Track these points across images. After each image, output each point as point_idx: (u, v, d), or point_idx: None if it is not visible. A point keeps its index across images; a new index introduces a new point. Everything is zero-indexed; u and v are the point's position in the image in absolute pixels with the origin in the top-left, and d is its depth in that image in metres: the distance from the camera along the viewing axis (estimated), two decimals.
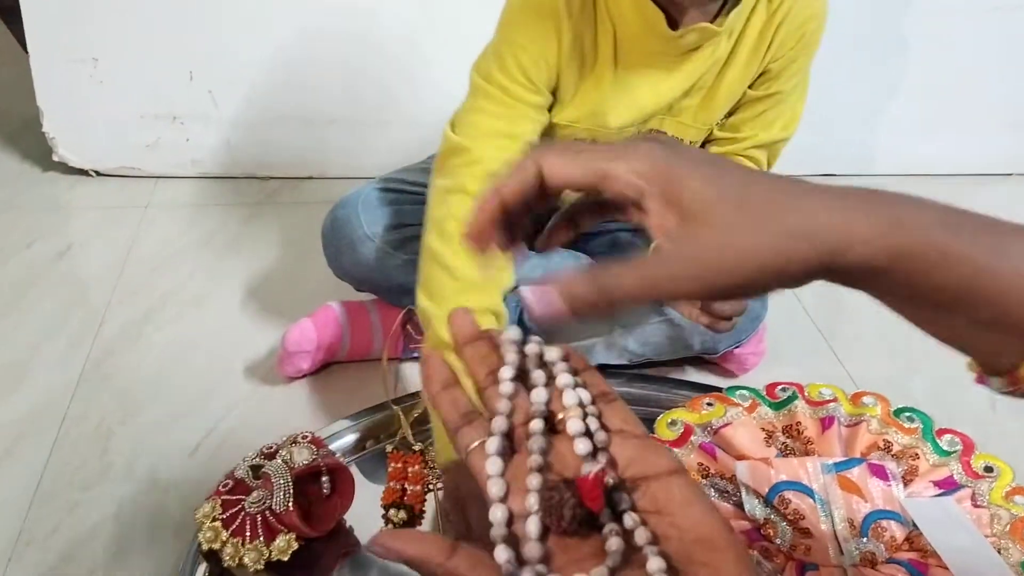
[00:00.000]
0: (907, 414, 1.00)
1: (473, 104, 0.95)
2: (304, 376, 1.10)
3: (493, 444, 0.37)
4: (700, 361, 1.16)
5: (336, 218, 1.10)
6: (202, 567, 0.82)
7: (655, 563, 0.32)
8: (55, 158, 1.61)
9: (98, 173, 1.63)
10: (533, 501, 0.35)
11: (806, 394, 1.02)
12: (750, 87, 1.01)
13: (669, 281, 0.35)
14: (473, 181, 0.92)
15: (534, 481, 0.36)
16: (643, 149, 0.36)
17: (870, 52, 1.64)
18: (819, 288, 1.19)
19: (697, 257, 0.35)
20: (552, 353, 0.40)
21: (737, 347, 1.11)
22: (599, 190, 0.37)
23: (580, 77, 0.95)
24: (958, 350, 0.38)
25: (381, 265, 1.07)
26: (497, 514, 0.35)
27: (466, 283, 0.89)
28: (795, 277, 0.35)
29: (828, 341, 1.23)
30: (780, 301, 1.27)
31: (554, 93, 0.96)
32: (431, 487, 0.92)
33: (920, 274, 0.34)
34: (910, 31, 1.62)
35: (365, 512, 0.89)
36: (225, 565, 0.81)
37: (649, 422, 0.99)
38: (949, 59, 1.65)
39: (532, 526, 0.35)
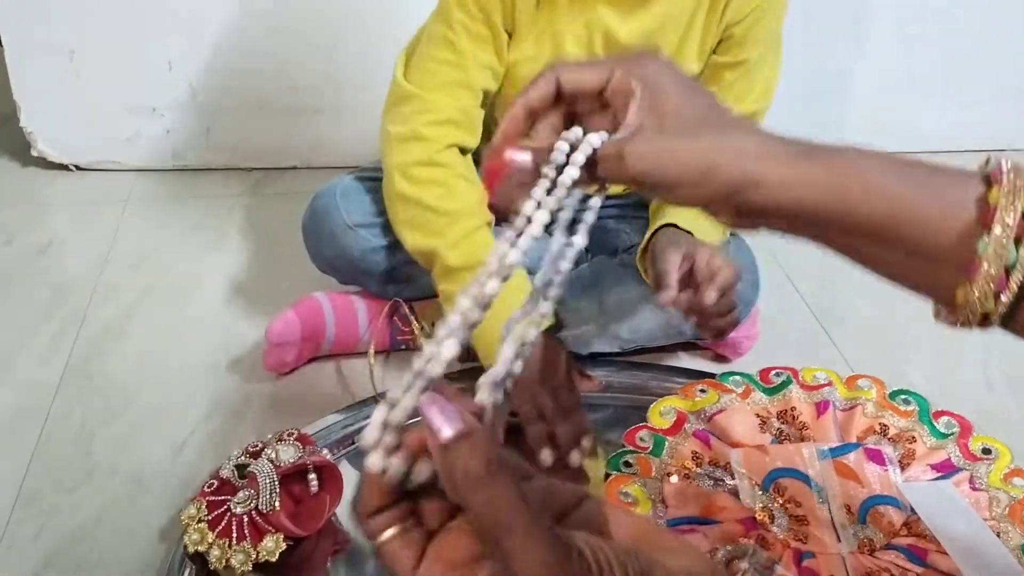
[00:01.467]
0: (903, 396, 0.99)
1: (430, 52, 0.97)
2: (290, 371, 1.08)
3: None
4: (693, 347, 1.14)
5: (315, 209, 1.09)
6: (189, 570, 0.80)
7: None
8: (34, 153, 1.58)
9: (78, 167, 1.60)
10: None
11: (800, 378, 1.01)
12: (715, 52, 1.01)
13: (636, 156, 0.42)
14: (428, 128, 0.96)
15: None
16: (643, 59, 0.44)
17: (865, 23, 1.62)
18: (813, 271, 1.19)
19: (658, 145, 0.42)
20: None
21: None
22: (600, 91, 0.44)
23: (537, 8, 0.96)
24: (903, 286, 0.43)
25: (364, 255, 1.06)
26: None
27: (453, 215, 0.95)
28: (716, 189, 0.41)
29: (822, 324, 1.22)
30: (773, 284, 1.26)
31: (510, 31, 0.98)
32: None
33: (847, 209, 0.40)
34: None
35: (357, 509, 0.87)
36: (212, 568, 0.79)
37: (642, 410, 0.98)
38: (949, 30, 1.62)
39: None
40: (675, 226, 0.96)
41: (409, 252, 0.99)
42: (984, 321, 0.39)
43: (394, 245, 1.05)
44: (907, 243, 0.40)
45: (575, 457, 0.86)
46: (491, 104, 1.06)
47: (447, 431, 0.29)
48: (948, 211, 0.39)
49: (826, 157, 0.41)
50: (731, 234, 1.09)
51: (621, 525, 0.34)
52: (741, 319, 1.08)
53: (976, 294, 0.38)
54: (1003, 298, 0.38)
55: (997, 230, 0.37)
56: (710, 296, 0.86)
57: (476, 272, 0.97)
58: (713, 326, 0.91)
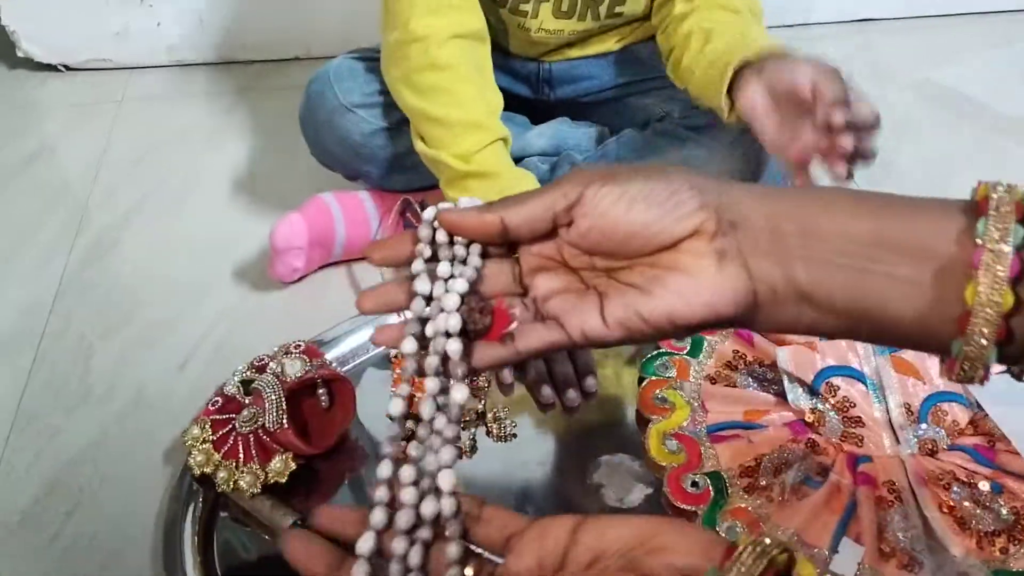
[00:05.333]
0: None
1: None
2: (299, 279, 1.01)
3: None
4: None
5: (310, 94, 1.01)
6: (195, 492, 0.75)
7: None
8: (19, 53, 1.49)
9: (67, 67, 1.51)
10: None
11: None
12: None
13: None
14: (421, 21, 0.88)
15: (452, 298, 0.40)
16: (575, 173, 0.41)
17: None
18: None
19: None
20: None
21: None
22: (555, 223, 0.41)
23: None
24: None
25: (365, 139, 0.98)
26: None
27: (461, 127, 0.88)
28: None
29: None
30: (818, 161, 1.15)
31: None
32: None
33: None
34: None
35: (371, 424, 0.81)
36: (219, 490, 0.74)
37: None
38: None
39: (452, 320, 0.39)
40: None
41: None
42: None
43: (397, 128, 0.97)
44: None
45: (572, 396, 0.78)
46: None
47: None
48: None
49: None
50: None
51: (614, 536, 0.36)
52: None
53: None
54: None
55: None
56: (835, 116, 0.67)
57: (486, 180, 0.88)
58: (857, 150, 0.69)
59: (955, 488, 0.71)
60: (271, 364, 0.79)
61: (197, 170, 1.24)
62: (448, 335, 0.39)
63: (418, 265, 0.41)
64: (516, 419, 0.81)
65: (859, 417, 0.78)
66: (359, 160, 1.00)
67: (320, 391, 0.79)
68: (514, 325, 0.40)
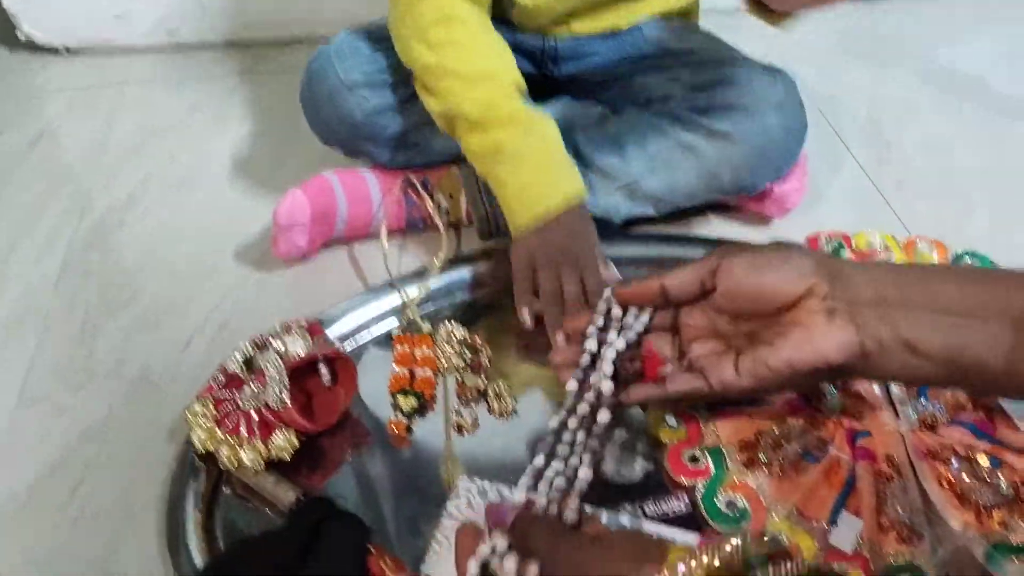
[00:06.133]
0: (967, 259, 0.90)
1: None
2: (302, 257, 1.01)
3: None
4: (733, 209, 1.04)
5: (311, 72, 1.01)
6: (198, 469, 0.76)
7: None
8: (20, 36, 1.49)
9: (68, 50, 1.50)
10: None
11: (853, 245, 0.92)
12: None
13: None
14: None
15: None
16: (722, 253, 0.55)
17: None
18: (863, 124, 1.06)
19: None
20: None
21: (777, 182, 0.98)
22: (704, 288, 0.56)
23: None
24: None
25: (367, 118, 0.98)
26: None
27: (475, 77, 0.88)
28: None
29: (874, 182, 1.12)
30: (823, 142, 1.16)
31: None
32: (441, 371, 0.85)
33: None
34: None
35: (373, 401, 0.82)
36: (222, 467, 0.75)
37: None
38: None
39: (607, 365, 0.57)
40: None
41: (433, 117, 0.92)
42: None
43: (400, 106, 0.97)
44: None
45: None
46: None
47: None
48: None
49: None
50: (776, 71, 0.96)
51: None
52: (781, 173, 0.97)
53: None
54: None
55: None
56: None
57: (506, 126, 0.88)
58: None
59: (954, 462, 0.72)
60: (274, 342, 0.79)
61: (199, 152, 1.24)
62: (604, 377, 0.55)
63: (590, 331, 0.57)
64: (516, 396, 0.81)
65: (858, 392, 0.78)
66: (360, 139, 1.00)
67: (322, 369, 0.79)
68: (668, 368, 0.54)
